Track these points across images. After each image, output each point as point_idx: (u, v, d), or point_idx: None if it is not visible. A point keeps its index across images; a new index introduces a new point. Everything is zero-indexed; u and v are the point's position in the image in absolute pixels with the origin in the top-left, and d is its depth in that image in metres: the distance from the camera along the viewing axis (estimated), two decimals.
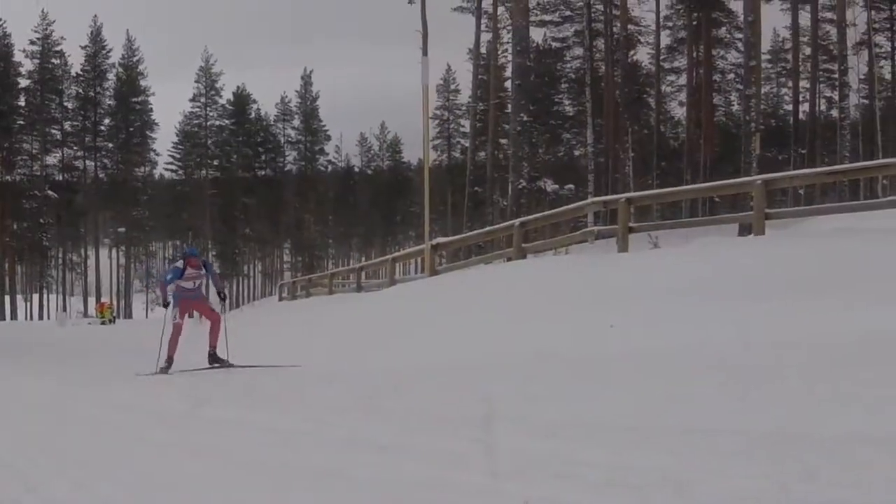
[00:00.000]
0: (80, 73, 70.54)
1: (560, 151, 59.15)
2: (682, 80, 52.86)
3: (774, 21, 54.67)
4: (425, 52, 35.76)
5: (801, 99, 51.88)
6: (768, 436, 4.67)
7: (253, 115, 77.67)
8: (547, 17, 50.85)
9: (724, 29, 50.21)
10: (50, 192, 67.48)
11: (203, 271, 14.03)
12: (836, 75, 45.36)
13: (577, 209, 21.82)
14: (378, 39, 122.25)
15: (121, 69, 72.01)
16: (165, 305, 13.85)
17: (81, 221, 71.10)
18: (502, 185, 39.50)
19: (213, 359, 13.41)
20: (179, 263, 13.95)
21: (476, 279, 17.63)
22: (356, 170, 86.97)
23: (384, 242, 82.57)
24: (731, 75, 52.16)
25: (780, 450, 4.33)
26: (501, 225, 24.42)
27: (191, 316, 15.33)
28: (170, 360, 13.32)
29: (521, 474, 4.61)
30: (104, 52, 71.53)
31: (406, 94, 70.40)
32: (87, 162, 71.69)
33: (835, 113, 46.32)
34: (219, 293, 14.80)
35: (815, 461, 4.03)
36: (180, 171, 77.59)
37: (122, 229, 71.65)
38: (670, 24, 52.06)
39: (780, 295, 9.71)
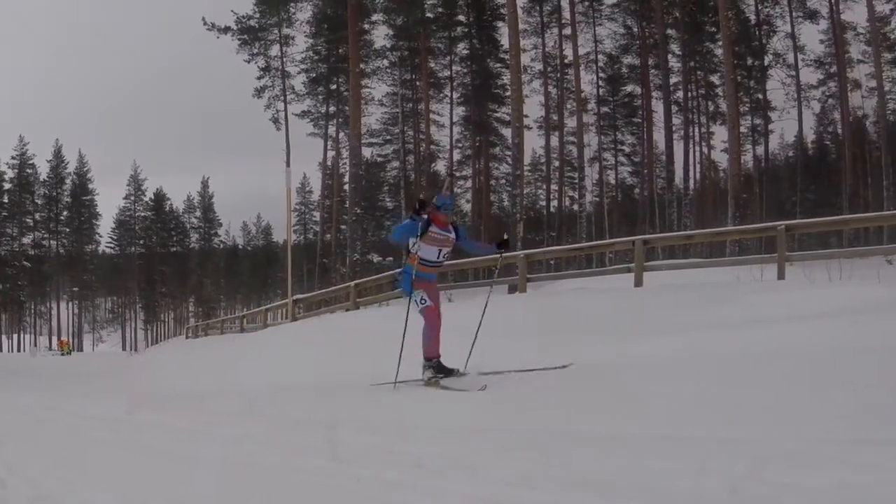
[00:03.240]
0: (47, 178, 72.31)
1: (383, 234, 59.50)
2: (469, 183, 53.79)
3: (533, 143, 57.10)
4: (288, 164, 35.95)
5: (551, 197, 53.97)
6: (537, 433, 4.73)
7: (168, 208, 79.50)
8: (374, 140, 51.07)
9: (497, 148, 51.43)
10: (25, 263, 69.55)
11: (453, 235, 7.73)
12: (577, 181, 47.13)
13: (395, 274, 21.92)
14: (259, 153, 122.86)
15: (75, 176, 73.78)
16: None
17: (47, 283, 73.17)
18: (342, 257, 39.32)
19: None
20: (424, 216, 7.45)
21: (324, 324, 17.62)
22: (240, 247, 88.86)
23: (260, 298, 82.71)
24: (503, 180, 53.24)
25: (545, 444, 4.38)
26: (342, 286, 24.32)
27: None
28: (437, 361, 7.80)
29: (355, 460, 4.60)
30: (63, 164, 73.18)
31: (275, 194, 71.73)
32: (52, 241, 73.84)
33: (576, 207, 47.98)
34: (499, 244, 8.32)
35: (572, 452, 4.10)
36: (116, 248, 79.52)
37: (75, 289, 75.13)
38: (460, 144, 53.07)
39: (540, 334, 9.98)
